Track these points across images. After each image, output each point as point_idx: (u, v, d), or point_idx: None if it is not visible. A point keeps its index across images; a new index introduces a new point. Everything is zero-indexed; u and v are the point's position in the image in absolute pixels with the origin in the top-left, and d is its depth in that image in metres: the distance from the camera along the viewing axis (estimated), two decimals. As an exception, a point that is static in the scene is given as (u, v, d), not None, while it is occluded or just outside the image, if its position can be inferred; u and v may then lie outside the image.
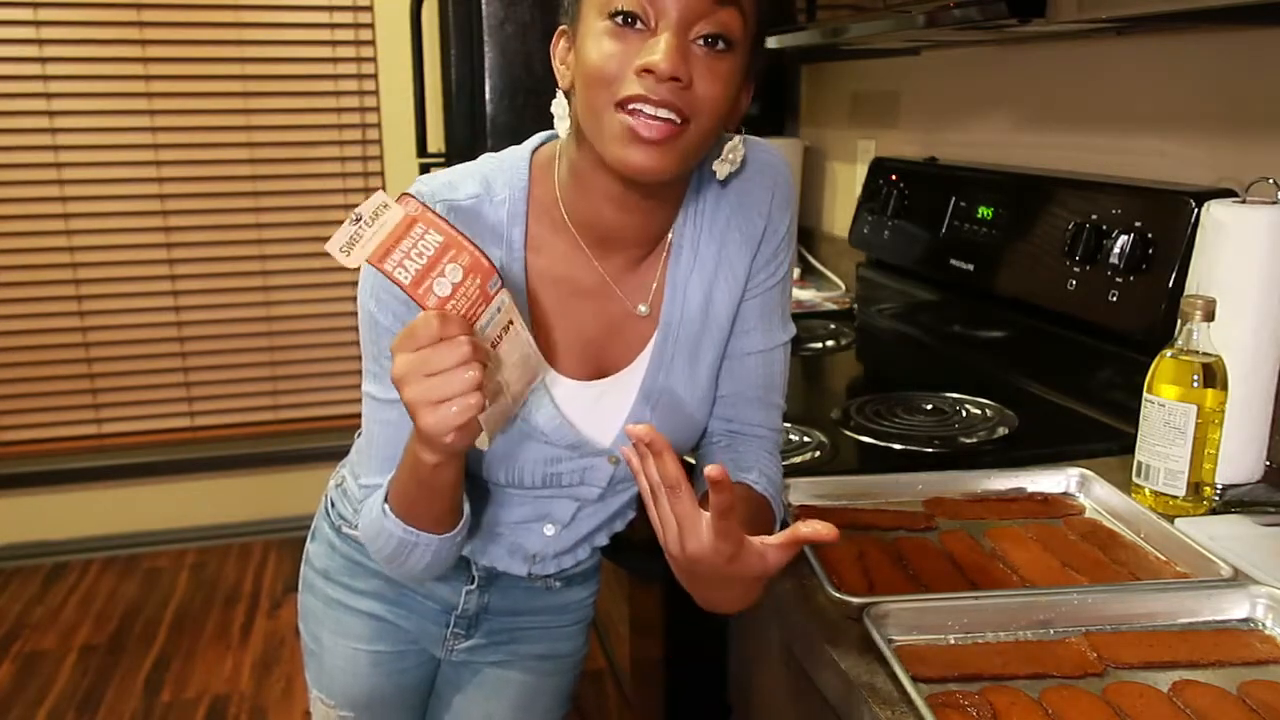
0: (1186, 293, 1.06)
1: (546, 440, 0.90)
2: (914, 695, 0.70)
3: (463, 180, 0.87)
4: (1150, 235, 1.24)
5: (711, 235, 0.92)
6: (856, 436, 1.29)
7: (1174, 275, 1.19)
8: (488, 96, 2.13)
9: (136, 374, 3.01)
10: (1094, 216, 1.33)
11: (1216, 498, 1.05)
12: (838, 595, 0.83)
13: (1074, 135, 1.53)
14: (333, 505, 1.08)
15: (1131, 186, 1.31)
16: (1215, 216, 1.05)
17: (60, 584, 2.92)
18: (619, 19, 0.76)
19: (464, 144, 2.23)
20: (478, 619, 1.08)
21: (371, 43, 2.96)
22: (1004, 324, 1.57)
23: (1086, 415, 1.34)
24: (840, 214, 2.32)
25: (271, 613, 2.75)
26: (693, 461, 0.99)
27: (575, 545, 1.03)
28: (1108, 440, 1.23)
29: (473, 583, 1.05)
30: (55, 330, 2.92)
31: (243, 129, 2.93)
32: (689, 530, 0.70)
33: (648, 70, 0.75)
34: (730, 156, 0.88)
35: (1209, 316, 0.99)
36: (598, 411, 0.92)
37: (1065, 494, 1.10)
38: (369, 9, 2.93)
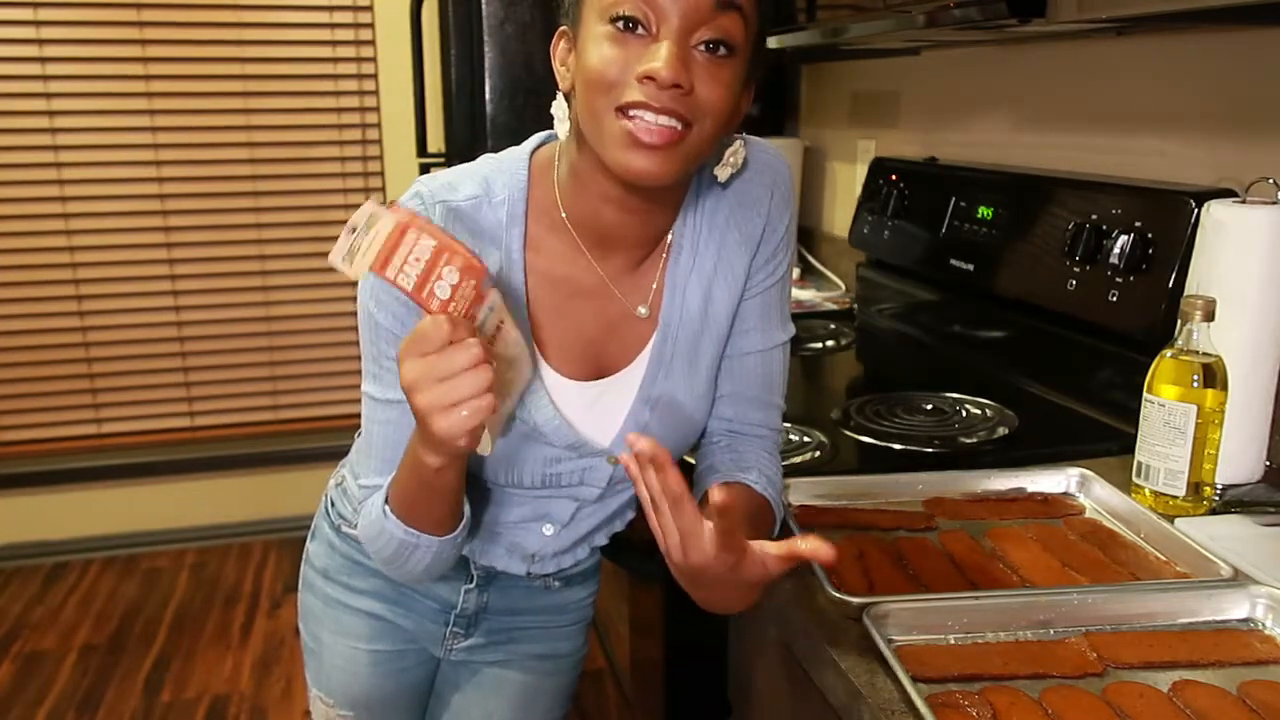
0: (1186, 293, 1.06)
1: (546, 441, 0.90)
2: (914, 695, 0.70)
3: (462, 181, 0.87)
4: (1150, 235, 1.24)
5: (711, 235, 0.92)
6: (856, 436, 1.29)
7: (1174, 275, 1.19)
8: (488, 96, 2.13)
9: (136, 374, 3.01)
10: (1094, 216, 1.33)
11: (1216, 498, 1.05)
12: (838, 595, 0.83)
13: (1074, 135, 1.53)
14: (333, 505, 1.08)
15: (1131, 186, 1.31)
16: (1215, 216, 1.05)
17: (60, 584, 2.92)
18: (620, 24, 0.76)
19: (464, 144, 2.23)
20: (477, 618, 1.08)
21: (371, 43, 2.96)
22: (1004, 324, 1.57)
23: (1086, 415, 1.34)
24: (840, 214, 2.32)
25: (271, 613, 2.75)
26: (692, 461, 0.99)
27: (574, 545, 1.03)
28: (1108, 440, 1.23)
29: (472, 582, 1.05)
30: (55, 330, 2.92)
31: (243, 129, 2.93)
32: (691, 542, 0.70)
33: (649, 77, 0.74)
34: (731, 160, 0.88)
35: (1209, 316, 0.99)
36: (596, 412, 0.92)
37: (1065, 494, 1.10)
38: (369, 9, 2.93)
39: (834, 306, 2.09)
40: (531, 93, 2.13)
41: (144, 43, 2.81)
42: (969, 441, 1.27)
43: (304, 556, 1.13)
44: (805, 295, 2.17)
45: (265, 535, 3.17)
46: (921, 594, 0.87)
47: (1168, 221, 1.22)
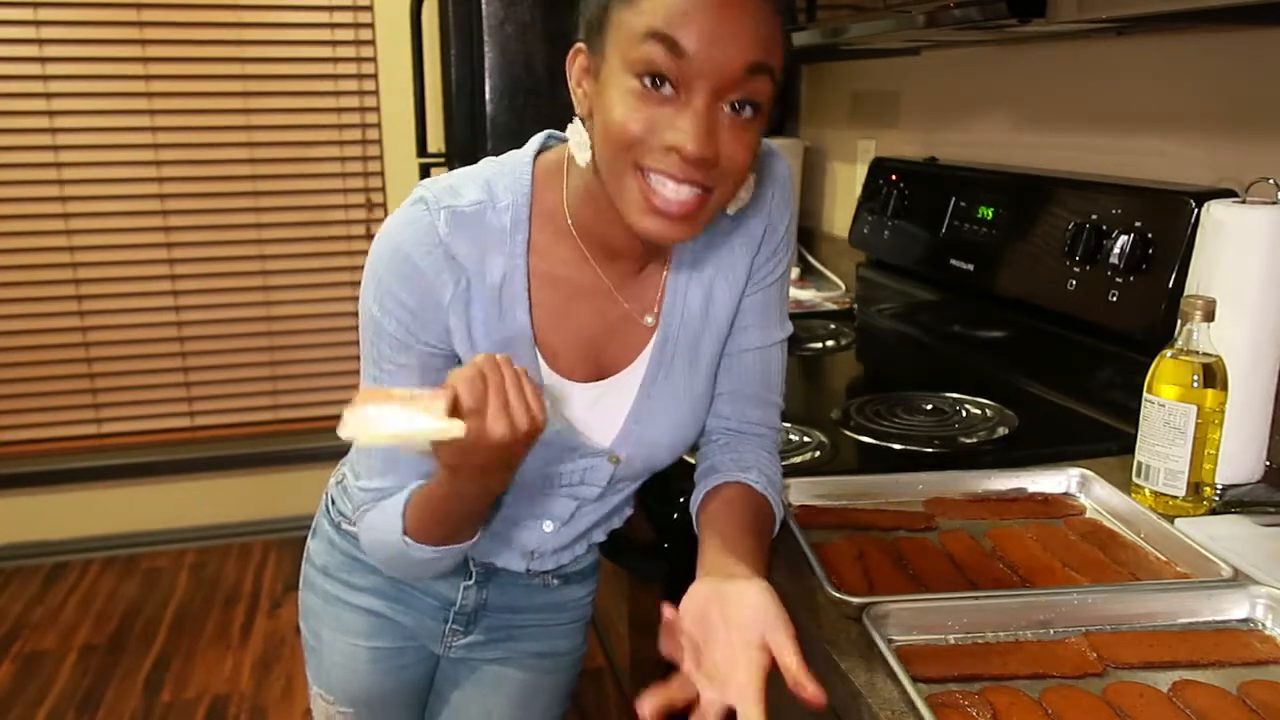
0: (1186, 293, 1.06)
1: (546, 442, 0.90)
2: (914, 695, 0.70)
3: (465, 186, 0.86)
4: (1150, 235, 1.24)
5: (713, 238, 0.92)
6: (856, 436, 1.29)
7: (1174, 275, 1.19)
8: (488, 96, 2.13)
9: (136, 374, 3.01)
10: (1094, 216, 1.33)
11: (1216, 498, 1.05)
12: (838, 595, 0.83)
13: (1074, 135, 1.53)
14: (333, 503, 1.08)
15: (1131, 186, 1.31)
16: (1215, 216, 1.05)
17: (60, 584, 2.92)
18: (647, 80, 0.73)
19: (464, 144, 2.23)
20: (476, 615, 1.08)
21: (371, 43, 2.96)
22: (1004, 324, 1.57)
23: (1086, 415, 1.34)
24: (840, 214, 2.32)
25: (271, 612, 2.75)
26: (693, 461, 0.99)
27: (574, 541, 1.04)
28: (1108, 440, 1.23)
29: (471, 579, 1.05)
30: (55, 330, 2.92)
31: (243, 129, 2.93)
32: None
33: (676, 149, 0.73)
34: (742, 194, 0.86)
35: (1209, 316, 0.99)
36: (597, 412, 0.92)
37: (1065, 494, 1.10)
38: (369, 9, 2.93)
39: (834, 306, 2.09)
40: (531, 93, 2.13)
41: (144, 43, 2.81)
42: (969, 441, 1.27)
43: (305, 554, 1.13)
44: (805, 295, 2.17)
45: (265, 535, 3.17)
46: (921, 594, 0.87)
47: (1168, 221, 1.22)
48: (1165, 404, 1.00)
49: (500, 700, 1.13)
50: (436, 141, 2.56)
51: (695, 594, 0.77)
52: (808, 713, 0.72)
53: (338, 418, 0.69)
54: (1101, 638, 0.80)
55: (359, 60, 2.98)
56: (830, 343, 1.84)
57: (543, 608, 1.11)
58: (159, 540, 3.11)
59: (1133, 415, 1.07)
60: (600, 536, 1.07)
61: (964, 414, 1.37)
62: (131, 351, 2.99)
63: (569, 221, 0.87)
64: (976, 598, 0.84)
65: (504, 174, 0.87)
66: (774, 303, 0.97)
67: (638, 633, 1.53)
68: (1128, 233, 1.26)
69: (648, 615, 1.43)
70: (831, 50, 2.19)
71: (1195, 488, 1.01)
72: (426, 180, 0.87)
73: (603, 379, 0.92)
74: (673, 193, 0.75)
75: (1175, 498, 1.01)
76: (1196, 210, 1.16)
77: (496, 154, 0.92)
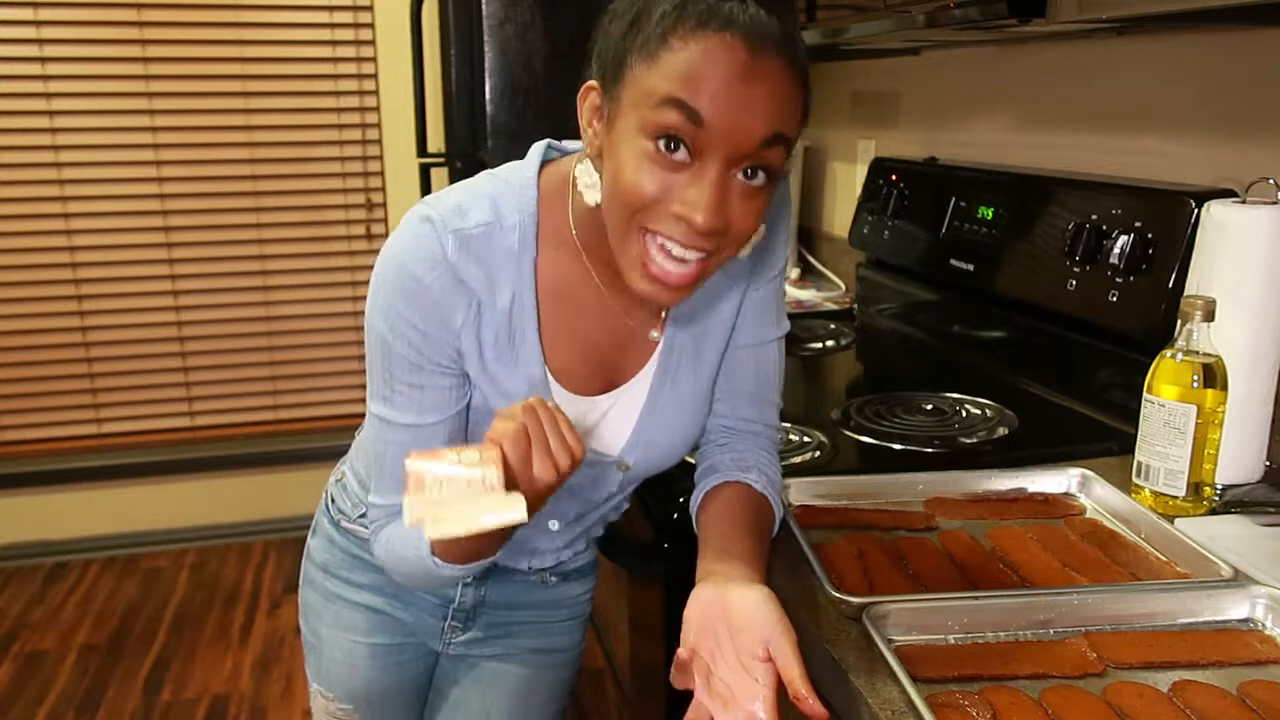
0: (1186, 293, 1.06)
1: None
2: (914, 695, 0.70)
3: (470, 206, 0.84)
4: (1150, 235, 1.24)
5: None
6: (856, 436, 1.29)
7: (1174, 275, 1.19)
8: (488, 96, 2.13)
9: (136, 374, 3.01)
10: (1094, 216, 1.33)
11: (1216, 498, 1.05)
12: (838, 595, 0.83)
13: (1074, 135, 1.53)
14: (333, 501, 1.08)
15: (1131, 186, 1.31)
16: (1215, 216, 1.05)
17: (60, 584, 2.92)
18: (662, 143, 0.72)
19: (464, 144, 2.23)
20: (475, 612, 1.08)
21: (371, 43, 2.96)
22: (1004, 324, 1.57)
23: (1086, 415, 1.34)
24: (840, 214, 2.32)
25: (271, 612, 2.75)
26: (693, 461, 1.00)
27: (574, 539, 1.05)
28: (1108, 440, 1.23)
29: (470, 576, 1.05)
30: (55, 330, 2.92)
31: (243, 129, 2.93)
32: None
33: (685, 219, 0.72)
34: (754, 239, 0.84)
35: (1209, 316, 0.99)
36: (605, 423, 0.93)
37: (1066, 494, 1.10)
38: (369, 9, 2.93)
39: (834, 306, 2.09)
40: (531, 93, 2.13)
41: (144, 43, 2.81)
42: (969, 441, 1.27)
43: (305, 553, 1.13)
44: (805, 295, 2.17)
45: (265, 535, 3.17)
46: (921, 594, 0.87)
47: (1168, 221, 1.22)
48: (1165, 404, 1.00)
49: (499, 696, 1.13)
50: (436, 141, 2.56)
51: (698, 600, 0.77)
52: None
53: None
54: (1101, 638, 0.80)
55: (359, 60, 2.98)
56: (830, 343, 1.84)
57: (541, 605, 1.11)
58: (159, 540, 3.11)
59: (1133, 415, 1.07)
60: (599, 530, 1.08)
61: (964, 414, 1.37)
62: (131, 351, 2.99)
63: (575, 241, 0.87)
64: (976, 598, 0.84)
65: (509, 192, 0.86)
66: (770, 302, 0.97)
67: (638, 633, 1.53)
68: (1128, 233, 1.26)
69: (648, 615, 1.43)
70: (831, 50, 2.18)
71: (1195, 488, 1.01)
72: (429, 198, 0.86)
73: (611, 390, 0.92)
74: (673, 264, 0.75)
75: (1175, 498, 1.01)
76: (1196, 210, 1.16)
77: (496, 154, 0.91)
